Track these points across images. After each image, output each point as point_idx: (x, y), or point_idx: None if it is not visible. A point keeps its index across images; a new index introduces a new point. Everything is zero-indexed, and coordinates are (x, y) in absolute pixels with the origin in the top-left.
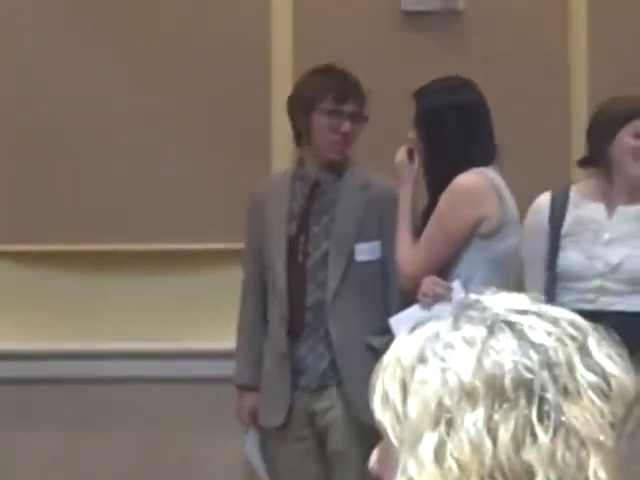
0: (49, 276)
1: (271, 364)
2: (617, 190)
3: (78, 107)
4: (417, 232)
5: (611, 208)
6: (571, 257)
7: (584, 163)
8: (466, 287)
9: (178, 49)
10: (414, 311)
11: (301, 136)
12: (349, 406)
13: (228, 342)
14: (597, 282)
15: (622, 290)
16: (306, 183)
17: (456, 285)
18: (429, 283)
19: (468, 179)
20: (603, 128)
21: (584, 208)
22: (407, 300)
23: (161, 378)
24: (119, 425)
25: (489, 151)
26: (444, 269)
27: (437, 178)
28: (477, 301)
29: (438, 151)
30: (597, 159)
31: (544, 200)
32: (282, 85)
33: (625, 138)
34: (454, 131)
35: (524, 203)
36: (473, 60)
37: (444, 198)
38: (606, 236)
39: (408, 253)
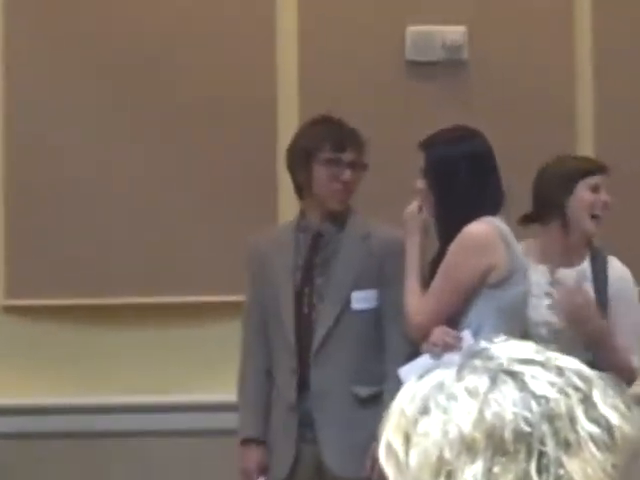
0: (56, 330)
1: (279, 416)
2: (561, 250)
3: (79, 159)
4: (425, 282)
5: (553, 270)
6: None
7: (526, 220)
8: (476, 336)
9: (181, 97)
10: (424, 361)
11: (302, 188)
12: (316, 463)
13: (229, 395)
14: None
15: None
16: (309, 235)
17: (466, 335)
18: (439, 333)
19: (477, 228)
20: (558, 183)
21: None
22: (415, 350)
23: (157, 431)
24: (119, 478)
25: (498, 199)
26: (453, 318)
27: (449, 227)
28: (484, 349)
29: (451, 201)
30: (547, 215)
31: None
32: (288, 135)
33: (582, 193)
34: (467, 180)
35: None
36: (478, 110)
37: (453, 248)
38: (547, 300)
39: (417, 303)
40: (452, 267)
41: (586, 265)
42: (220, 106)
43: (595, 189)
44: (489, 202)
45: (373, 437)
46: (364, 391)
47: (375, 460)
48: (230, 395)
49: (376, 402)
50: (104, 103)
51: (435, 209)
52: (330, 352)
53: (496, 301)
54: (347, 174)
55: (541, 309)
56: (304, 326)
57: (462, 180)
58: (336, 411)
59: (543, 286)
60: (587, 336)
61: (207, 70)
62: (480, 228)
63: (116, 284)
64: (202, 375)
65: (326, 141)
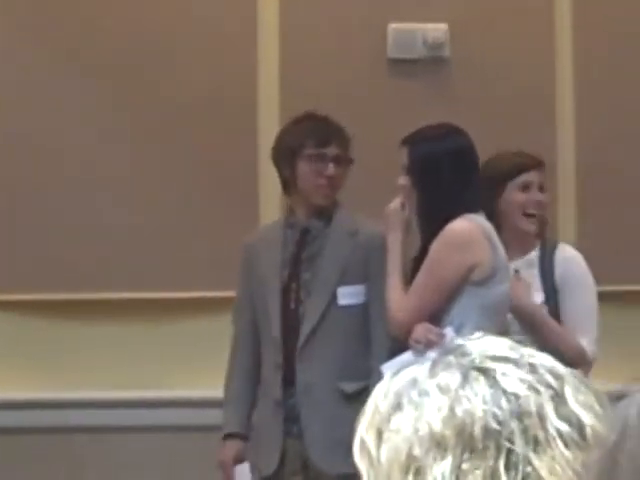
0: (38, 325)
1: (264, 411)
2: (510, 243)
3: (65, 155)
4: (407, 279)
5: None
6: None
7: None
8: (458, 334)
9: (165, 97)
10: (407, 358)
11: (288, 184)
12: (302, 458)
13: (218, 390)
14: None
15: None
16: (296, 231)
17: (449, 332)
18: (421, 330)
19: (460, 225)
20: (490, 183)
21: None
22: (400, 346)
23: (148, 427)
24: (108, 475)
25: (480, 197)
26: (436, 315)
27: (431, 224)
28: (459, 346)
29: (434, 197)
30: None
31: None
32: (269, 133)
33: (512, 193)
34: (450, 178)
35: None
36: (460, 107)
37: (436, 245)
38: None
39: (399, 299)
40: (435, 264)
41: (535, 254)
42: (201, 104)
43: (525, 188)
44: (471, 199)
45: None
46: (350, 387)
47: None
48: (211, 391)
49: (362, 398)
50: (91, 101)
51: (418, 206)
52: (315, 348)
53: (479, 299)
54: (331, 169)
55: None
56: (290, 322)
57: (445, 177)
58: (321, 407)
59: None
60: (519, 316)
61: (188, 69)
62: (463, 225)
63: (103, 280)
64: (184, 371)
65: (310, 137)
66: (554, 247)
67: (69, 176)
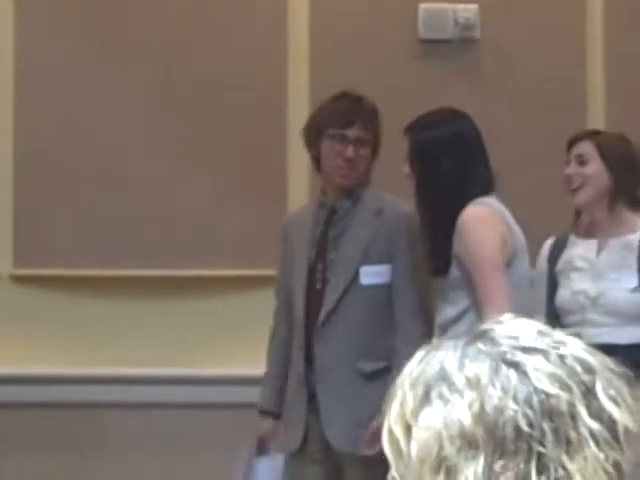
0: (66, 301)
1: (291, 389)
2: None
3: (87, 134)
4: (425, 274)
5: (603, 243)
6: (560, 294)
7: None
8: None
9: (194, 82)
10: None
11: (319, 163)
12: (323, 437)
13: (242, 368)
14: (579, 316)
15: (605, 322)
16: (325, 210)
17: None
18: None
19: (474, 210)
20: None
21: (578, 246)
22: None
23: (175, 404)
24: (134, 451)
25: (487, 181)
26: (470, 302)
27: (437, 212)
28: (488, 330)
29: (434, 184)
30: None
31: (546, 245)
32: (299, 115)
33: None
34: (449, 164)
35: (531, 233)
36: (489, 88)
37: (461, 238)
38: (591, 271)
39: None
40: (474, 253)
41: (634, 237)
42: (231, 86)
43: (567, 163)
44: (476, 184)
45: (376, 412)
46: (369, 366)
47: (374, 437)
48: (238, 369)
49: (381, 377)
50: (123, 89)
51: (416, 194)
52: (335, 327)
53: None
54: (350, 151)
55: (580, 280)
56: (315, 301)
57: (443, 163)
58: (339, 386)
59: (588, 259)
60: None
61: (219, 51)
62: (475, 209)
63: (131, 257)
64: (211, 348)
65: (333, 117)
66: None
67: (97, 152)
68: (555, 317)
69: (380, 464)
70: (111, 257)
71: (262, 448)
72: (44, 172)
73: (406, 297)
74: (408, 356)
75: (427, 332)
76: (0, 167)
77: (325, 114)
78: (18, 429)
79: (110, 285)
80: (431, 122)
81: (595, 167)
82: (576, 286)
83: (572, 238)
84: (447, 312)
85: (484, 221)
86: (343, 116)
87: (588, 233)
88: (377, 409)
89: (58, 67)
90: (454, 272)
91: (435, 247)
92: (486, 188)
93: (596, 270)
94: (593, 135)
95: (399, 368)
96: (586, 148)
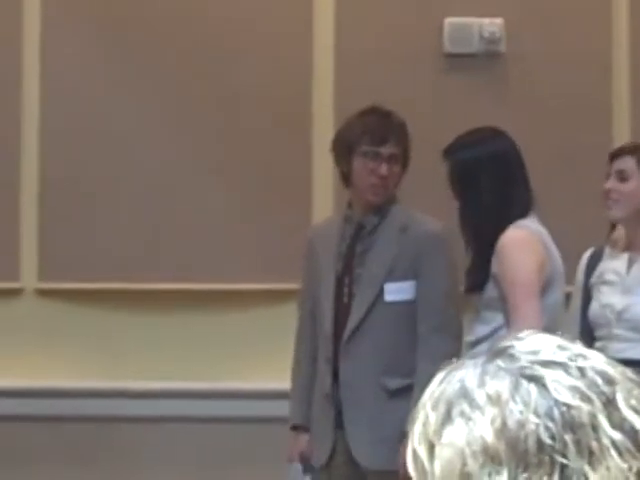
0: (90, 314)
1: (318, 404)
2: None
3: (110, 153)
4: (460, 294)
5: (634, 257)
6: (591, 307)
7: None
8: None
9: (220, 97)
10: None
11: (347, 179)
12: (349, 451)
13: (265, 383)
14: (606, 330)
15: (630, 337)
16: (352, 225)
17: None
18: None
19: (514, 233)
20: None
21: (611, 259)
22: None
23: (196, 418)
24: (154, 465)
25: (527, 199)
26: (503, 322)
27: (478, 232)
28: (507, 347)
29: (476, 203)
30: None
31: (584, 256)
32: (324, 129)
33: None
34: (491, 184)
35: (567, 252)
36: (515, 102)
37: (499, 262)
38: (621, 285)
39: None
40: (510, 276)
41: None
42: (257, 100)
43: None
44: (517, 204)
45: (402, 429)
46: (394, 383)
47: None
48: (260, 383)
49: (406, 394)
50: (142, 95)
51: (460, 216)
52: (360, 343)
53: (542, 306)
54: (384, 168)
55: (609, 294)
56: (342, 315)
57: (485, 183)
58: (364, 403)
59: (619, 273)
60: None
61: (245, 64)
62: (515, 233)
63: (152, 270)
64: (231, 362)
65: (366, 134)
66: None
67: (118, 170)
68: (588, 330)
69: None
70: (133, 271)
71: (307, 464)
72: (68, 187)
73: (429, 314)
74: (428, 372)
75: (451, 350)
76: (25, 182)
77: (356, 130)
78: (42, 442)
79: (132, 298)
80: (470, 142)
81: (635, 184)
82: (605, 299)
83: (607, 251)
84: (479, 330)
85: (523, 245)
86: (376, 133)
87: (622, 247)
88: (402, 426)
89: (82, 89)
90: (491, 291)
91: (474, 265)
92: (526, 208)
93: (625, 284)
94: (636, 150)
95: (419, 384)
96: (628, 164)
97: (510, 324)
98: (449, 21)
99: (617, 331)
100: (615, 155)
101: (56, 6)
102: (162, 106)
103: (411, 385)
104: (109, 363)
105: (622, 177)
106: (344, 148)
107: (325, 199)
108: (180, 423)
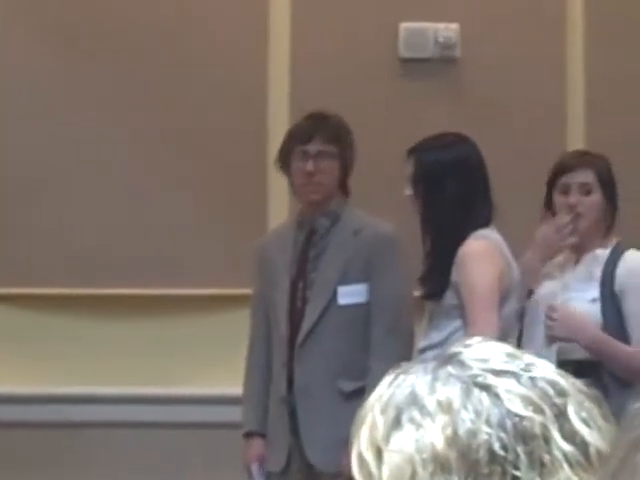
0: (46, 320)
1: (273, 409)
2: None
3: (74, 152)
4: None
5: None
6: None
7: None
8: None
9: (175, 98)
10: None
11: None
12: (304, 455)
13: (219, 387)
14: None
15: None
16: (304, 230)
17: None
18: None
19: (474, 244)
20: (546, 186)
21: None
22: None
23: (154, 423)
24: (117, 470)
25: (489, 208)
26: (457, 329)
27: (436, 236)
28: (457, 354)
29: (438, 206)
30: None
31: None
32: (279, 134)
33: (555, 195)
34: (456, 188)
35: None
36: (470, 107)
37: (460, 270)
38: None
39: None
40: (470, 284)
41: (603, 251)
42: (211, 105)
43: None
44: (480, 210)
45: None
46: (349, 386)
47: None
48: (214, 388)
49: (361, 396)
50: (96, 97)
51: (422, 215)
52: (314, 346)
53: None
54: (309, 165)
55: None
56: (297, 320)
57: (450, 187)
58: (319, 406)
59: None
60: (585, 348)
61: (199, 69)
62: (477, 243)
63: (112, 276)
64: (191, 367)
65: (294, 136)
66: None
67: (84, 170)
68: None
69: None
70: (90, 275)
71: (263, 470)
72: (27, 191)
73: (381, 316)
74: (381, 374)
75: (403, 351)
76: None
77: (289, 135)
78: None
79: (89, 304)
80: (437, 145)
81: (597, 197)
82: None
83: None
84: (432, 337)
85: (484, 255)
86: (302, 133)
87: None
88: None
89: (49, 88)
90: (449, 299)
91: (433, 271)
92: (488, 216)
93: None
94: (593, 163)
95: (372, 386)
96: (589, 177)
97: (466, 333)
98: (404, 26)
99: None
100: (570, 168)
101: (7, 6)
102: (122, 112)
103: (365, 387)
104: (63, 369)
105: (586, 190)
106: (283, 154)
107: (281, 204)
108: (138, 428)
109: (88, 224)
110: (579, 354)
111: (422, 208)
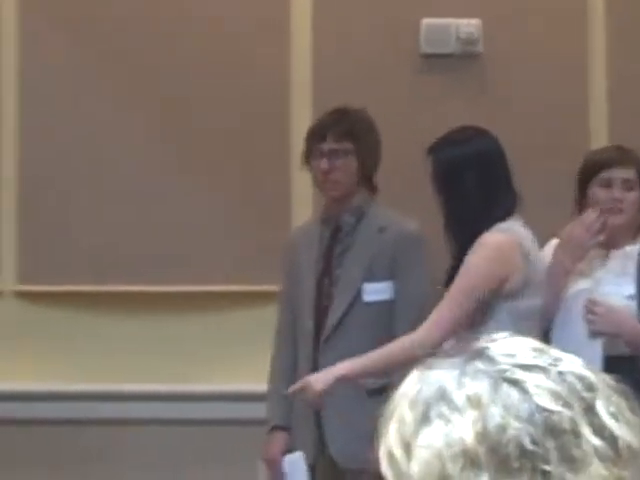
0: (68, 317)
1: (298, 405)
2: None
3: (87, 153)
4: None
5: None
6: None
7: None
8: None
9: (192, 95)
10: None
11: None
12: (325, 449)
13: (242, 385)
14: None
15: None
16: (329, 227)
17: None
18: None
19: (495, 239)
20: (578, 180)
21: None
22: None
23: (174, 420)
24: (131, 467)
25: (511, 201)
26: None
27: (460, 234)
28: (484, 349)
29: (459, 204)
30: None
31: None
32: (302, 133)
33: (594, 189)
34: (476, 183)
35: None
36: (491, 102)
37: (471, 257)
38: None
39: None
40: (468, 273)
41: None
42: (235, 104)
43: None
44: (502, 203)
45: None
46: (373, 383)
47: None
48: (237, 385)
49: (385, 393)
50: (116, 101)
51: (444, 214)
52: (338, 342)
53: (515, 311)
54: (324, 163)
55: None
56: (322, 316)
57: (471, 183)
58: (343, 402)
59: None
60: (628, 343)
61: (221, 71)
62: (498, 238)
63: (125, 272)
64: (208, 364)
65: (312, 135)
66: None
67: (96, 170)
68: None
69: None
70: (112, 273)
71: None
72: (47, 189)
73: (406, 314)
74: (405, 372)
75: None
76: (3, 184)
77: (308, 132)
78: (14, 446)
79: (110, 301)
80: (456, 140)
81: (637, 194)
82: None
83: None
84: None
85: (494, 255)
86: (319, 131)
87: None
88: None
89: (60, 88)
90: None
91: (456, 264)
92: (510, 209)
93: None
94: (636, 160)
95: (397, 382)
96: (631, 174)
97: (429, 316)
98: (426, 22)
99: None
100: (613, 163)
101: (33, 10)
102: (144, 108)
103: (389, 384)
104: (85, 366)
105: (629, 187)
106: (306, 151)
107: (304, 201)
108: (154, 425)
109: (108, 223)
110: (621, 349)
111: (444, 203)
